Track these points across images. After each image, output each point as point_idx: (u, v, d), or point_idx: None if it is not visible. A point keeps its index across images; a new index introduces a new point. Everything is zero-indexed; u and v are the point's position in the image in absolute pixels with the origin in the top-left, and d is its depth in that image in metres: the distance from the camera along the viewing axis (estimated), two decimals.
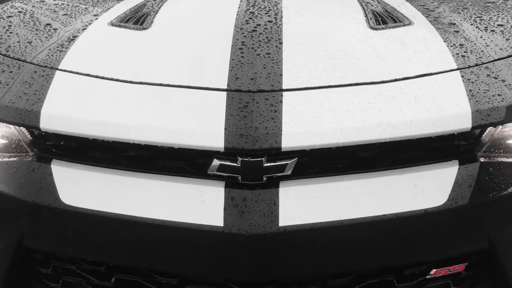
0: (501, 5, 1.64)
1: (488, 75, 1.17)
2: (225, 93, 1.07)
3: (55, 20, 1.51)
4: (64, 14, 1.57)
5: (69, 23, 1.48)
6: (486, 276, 1.22)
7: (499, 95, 1.12)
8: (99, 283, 1.17)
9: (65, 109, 1.09)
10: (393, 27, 1.36)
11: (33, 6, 1.65)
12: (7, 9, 1.60)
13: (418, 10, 1.56)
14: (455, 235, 1.11)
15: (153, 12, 1.48)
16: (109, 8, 1.62)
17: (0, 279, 1.21)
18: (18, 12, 1.57)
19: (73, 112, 1.08)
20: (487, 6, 1.63)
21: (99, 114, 1.07)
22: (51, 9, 1.63)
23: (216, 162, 1.03)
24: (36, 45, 1.33)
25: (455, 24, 1.43)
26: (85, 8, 1.66)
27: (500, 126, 1.13)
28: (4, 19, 1.50)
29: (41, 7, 1.65)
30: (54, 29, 1.44)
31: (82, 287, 1.21)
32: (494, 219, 1.13)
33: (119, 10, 1.58)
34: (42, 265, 1.20)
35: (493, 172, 1.11)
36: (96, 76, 1.16)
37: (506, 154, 1.15)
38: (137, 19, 1.44)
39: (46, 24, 1.47)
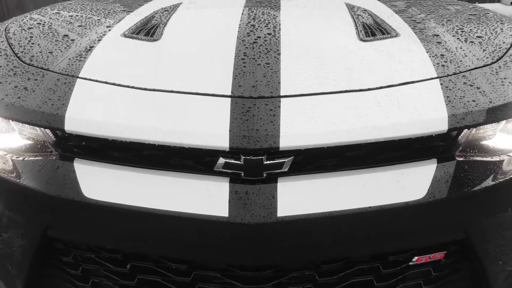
0: (482, 18, 1.78)
1: (464, 83, 1.30)
2: (229, 99, 1.20)
3: (71, 31, 1.64)
4: (79, 26, 1.70)
5: (85, 34, 1.62)
6: (464, 264, 1.35)
7: (474, 100, 1.25)
8: (115, 270, 1.30)
9: (87, 113, 1.22)
10: (381, 38, 1.50)
11: (50, 18, 1.78)
12: (27, 21, 1.74)
13: (405, 22, 1.69)
14: (434, 225, 1.24)
15: (162, 24, 1.61)
16: (120, 20, 1.75)
17: (25, 266, 1.34)
18: (37, 23, 1.71)
19: (94, 115, 1.21)
20: (469, 19, 1.77)
21: (117, 117, 1.20)
22: (67, 21, 1.76)
23: (221, 160, 1.17)
24: (57, 55, 1.46)
25: (438, 35, 1.56)
26: (98, 19, 1.79)
27: (474, 129, 1.27)
28: (25, 31, 1.63)
29: (58, 19, 1.78)
30: (72, 39, 1.57)
31: (99, 273, 1.34)
32: (469, 212, 1.26)
33: (129, 21, 1.71)
34: (64, 253, 1.33)
35: (468, 170, 1.25)
36: (113, 84, 1.29)
37: (480, 153, 1.29)
38: (148, 31, 1.57)
39: (64, 35, 1.60)
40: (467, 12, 1.89)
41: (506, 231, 1.30)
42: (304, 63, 1.32)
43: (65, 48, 1.50)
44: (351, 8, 1.81)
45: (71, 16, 1.83)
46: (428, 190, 1.19)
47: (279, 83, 1.24)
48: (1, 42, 1.56)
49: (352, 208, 1.16)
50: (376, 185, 1.18)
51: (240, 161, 1.15)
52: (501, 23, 1.69)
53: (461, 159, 1.26)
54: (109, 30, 1.62)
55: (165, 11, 1.79)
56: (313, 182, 1.17)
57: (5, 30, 1.64)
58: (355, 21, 1.63)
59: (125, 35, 1.55)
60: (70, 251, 1.32)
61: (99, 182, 1.21)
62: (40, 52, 1.48)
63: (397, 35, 1.54)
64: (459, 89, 1.28)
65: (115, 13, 1.87)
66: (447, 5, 2.05)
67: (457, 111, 1.22)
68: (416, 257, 1.28)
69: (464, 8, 1.97)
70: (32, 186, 1.25)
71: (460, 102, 1.24)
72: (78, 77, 1.33)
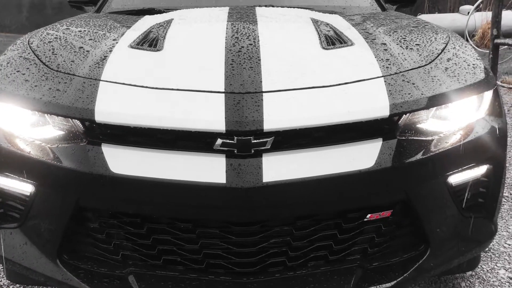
0: (421, 29, 2.18)
1: (403, 80, 1.69)
2: (223, 94, 1.56)
3: (85, 44, 1.97)
4: (90, 39, 2.04)
5: (96, 46, 1.95)
6: (407, 221, 1.73)
7: (409, 93, 1.64)
8: (134, 231, 1.64)
9: (112, 107, 1.56)
10: (339, 47, 1.88)
11: (63, 33, 2.11)
12: (45, 35, 2.06)
13: (360, 34, 2.08)
14: (381, 188, 1.61)
15: (161, 37, 1.96)
16: (123, 34, 2.09)
17: (59, 233, 1.65)
18: (55, 38, 2.04)
19: (118, 108, 1.55)
20: (411, 30, 2.17)
21: (136, 109, 1.55)
22: (78, 35, 2.09)
23: (219, 141, 1.52)
24: (78, 63, 1.79)
25: (385, 44, 1.95)
26: (103, 34, 2.13)
27: (410, 115, 1.65)
28: (46, 44, 1.96)
29: (70, 34, 2.11)
30: (87, 51, 1.90)
31: (120, 236, 1.67)
32: (408, 178, 1.63)
33: (132, 35, 2.05)
34: (91, 220, 1.66)
35: (406, 146, 1.63)
36: (130, 84, 1.63)
37: (416, 134, 1.66)
38: (150, 43, 1.92)
39: (79, 47, 1.93)
40: (411, 24, 2.29)
41: (436, 194, 1.69)
42: (279, 67, 1.69)
43: (84, 57, 1.84)
44: (315, 22, 2.19)
45: (80, 31, 2.17)
46: (376, 161, 1.57)
47: (261, 81, 1.60)
48: (28, 53, 1.88)
49: (319, 175, 1.52)
50: (337, 158, 1.55)
51: (234, 141, 1.51)
52: (435, 33, 2.10)
53: (401, 138, 1.64)
54: (117, 43, 1.96)
55: (161, 26, 2.14)
56: (290, 156, 1.54)
57: (29, 44, 1.97)
58: (318, 33, 2.01)
59: (132, 47, 1.89)
60: (97, 218, 1.65)
61: (123, 160, 1.55)
62: (64, 61, 1.81)
63: (352, 44, 1.92)
64: (398, 85, 1.67)
65: (116, 28, 2.21)
66: (396, 18, 2.46)
67: (396, 101, 1.60)
68: (369, 215, 1.66)
69: (409, 21, 2.38)
70: (67, 165, 1.57)
71: (399, 95, 1.63)
72: (100, 80, 1.66)
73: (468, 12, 11.41)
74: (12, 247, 1.75)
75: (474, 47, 10.79)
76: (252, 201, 1.51)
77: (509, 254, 2.42)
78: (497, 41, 7.15)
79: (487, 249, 2.47)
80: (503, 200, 3.07)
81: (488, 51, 7.48)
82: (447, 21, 14.80)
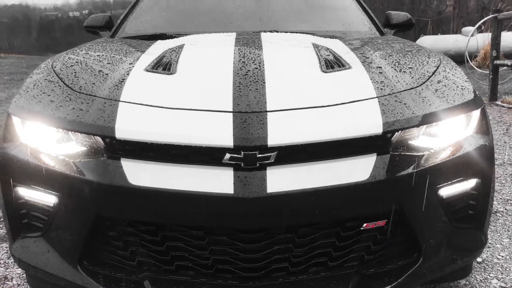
0: (415, 53, 2.35)
1: (395, 101, 1.85)
2: (231, 113, 1.72)
3: (104, 68, 2.15)
4: (108, 63, 2.22)
5: (114, 69, 2.13)
6: (401, 230, 1.86)
7: (401, 113, 1.80)
8: (149, 238, 1.79)
9: (131, 125, 1.73)
10: (338, 70, 2.04)
11: (83, 57, 2.29)
12: (67, 60, 2.24)
13: (358, 58, 2.24)
14: (375, 199, 1.76)
15: (174, 61, 2.13)
16: (138, 58, 2.26)
17: (81, 241, 1.80)
18: (76, 62, 2.21)
19: (136, 126, 1.72)
20: (405, 54, 2.34)
21: (153, 127, 1.71)
22: (97, 60, 2.27)
23: (227, 155, 1.67)
24: (98, 85, 1.96)
25: (380, 67, 2.12)
26: (120, 58, 2.31)
27: (402, 132, 1.81)
28: (69, 68, 2.13)
29: (89, 58, 2.29)
30: (106, 74, 2.08)
31: (136, 243, 1.82)
32: (400, 190, 1.78)
33: (146, 59, 2.22)
34: (110, 229, 1.81)
35: (399, 160, 1.78)
36: (147, 105, 1.80)
37: (408, 150, 1.81)
38: (164, 67, 2.09)
39: (99, 70, 2.11)
40: (406, 48, 2.46)
41: (427, 205, 1.83)
42: (282, 88, 1.86)
43: (103, 80, 2.01)
44: (316, 46, 2.37)
45: (99, 55, 2.35)
46: (370, 174, 1.72)
47: (266, 102, 1.76)
48: (52, 76, 2.06)
49: (318, 186, 1.67)
50: (335, 171, 1.70)
51: (241, 155, 1.66)
52: (428, 57, 2.27)
53: (394, 153, 1.79)
54: (133, 67, 2.13)
55: (173, 51, 2.32)
56: (292, 169, 1.69)
57: (52, 67, 2.15)
58: (319, 57, 2.17)
59: (147, 70, 2.06)
60: (115, 227, 1.80)
61: (140, 173, 1.70)
62: (85, 83, 1.98)
63: (350, 67, 2.09)
64: (391, 105, 1.83)
65: (131, 53, 2.39)
66: (392, 43, 2.63)
67: (389, 119, 1.76)
68: (365, 224, 1.80)
69: (404, 45, 2.55)
70: (89, 178, 1.73)
71: (391, 114, 1.78)
72: (119, 100, 1.83)
73: (472, 34, 11.63)
74: (35, 254, 1.90)
75: (474, 68, 10.99)
76: (257, 209, 1.66)
77: (502, 265, 2.55)
78: (497, 62, 7.33)
79: (480, 260, 2.59)
80: (498, 214, 3.20)
81: (489, 72, 7.65)
82: (450, 42, 15.05)
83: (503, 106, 7.32)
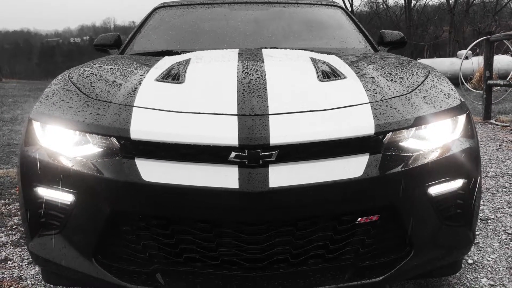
0: (406, 65, 2.53)
1: (386, 106, 2.02)
2: (236, 116, 1.88)
3: (117, 79, 2.32)
4: (120, 75, 2.39)
5: (126, 80, 2.30)
6: (393, 224, 2.01)
7: (391, 116, 1.96)
8: (160, 232, 1.93)
9: (144, 127, 1.89)
10: (334, 80, 2.21)
11: (97, 69, 2.47)
12: (83, 72, 2.42)
13: (352, 70, 2.42)
14: (368, 195, 1.90)
15: (182, 72, 2.30)
16: (148, 70, 2.44)
17: (96, 235, 1.95)
18: (91, 73, 2.39)
19: (149, 128, 1.88)
20: (397, 66, 2.51)
21: (165, 129, 1.87)
22: (110, 72, 2.45)
23: (233, 154, 1.83)
24: (114, 93, 2.13)
25: (373, 77, 2.29)
26: (131, 70, 2.48)
27: (392, 134, 1.97)
28: (85, 78, 2.31)
29: (103, 70, 2.46)
30: (119, 83, 2.25)
31: (148, 237, 1.96)
32: (391, 187, 1.93)
33: (156, 72, 2.40)
34: (123, 223, 1.95)
35: (389, 159, 1.93)
36: (158, 109, 1.96)
37: (398, 151, 1.97)
38: (173, 77, 2.26)
39: (112, 81, 2.28)
40: (398, 62, 2.65)
41: (417, 202, 1.98)
42: (282, 94, 2.03)
43: (117, 89, 2.18)
44: (314, 60, 2.54)
45: (111, 68, 2.53)
46: (364, 171, 1.87)
47: (267, 106, 1.93)
48: (70, 86, 2.23)
49: (316, 182, 1.82)
50: (331, 168, 1.86)
51: (245, 154, 1.82)
52: (417, 69, 2.44)
53: (386, 153, 1.95)
54: (144, 77, 2.30)
55: (180, 64, 2.49)
56: (291, 166, 1.85)
57: (69, 78, 2.32)
58: (316, 68, 2.35)
59: (157, 80, 2.24)
60: (128, 221, 1.95)
61: (153, 170, 1.85)
62: (101, 91, 2.15)
63: (345, 77, 2.26)
64: (382, 109, 1.99)
65: (141, 66, 2.57)
66: (385, 58, 2.82)
67: (380, 122, 1.92)
68: (360, 218, 1.95)
69: (397, 59, 2.73)
70: (107, 175, 1.88)
71: (382, 117, 1.95)
72: (133, 106, 2.00)
73: (465, 56, 11.90)
74: (52, 250, 2.04)
75: (470, 89, 11.22)
76: (260, 203, 1.81)
77: (491, 266, 2.68)
78: (490, 82, 7.54)
79: (471, 261, 2.73)
80: (489, 221, 3.34)
81: (483, 92, 7.85)
82: (446, 64, 15.33)
83: (497, 125, 7.50)
